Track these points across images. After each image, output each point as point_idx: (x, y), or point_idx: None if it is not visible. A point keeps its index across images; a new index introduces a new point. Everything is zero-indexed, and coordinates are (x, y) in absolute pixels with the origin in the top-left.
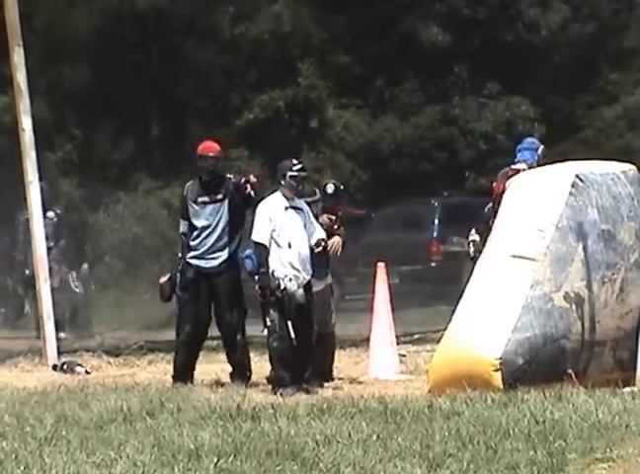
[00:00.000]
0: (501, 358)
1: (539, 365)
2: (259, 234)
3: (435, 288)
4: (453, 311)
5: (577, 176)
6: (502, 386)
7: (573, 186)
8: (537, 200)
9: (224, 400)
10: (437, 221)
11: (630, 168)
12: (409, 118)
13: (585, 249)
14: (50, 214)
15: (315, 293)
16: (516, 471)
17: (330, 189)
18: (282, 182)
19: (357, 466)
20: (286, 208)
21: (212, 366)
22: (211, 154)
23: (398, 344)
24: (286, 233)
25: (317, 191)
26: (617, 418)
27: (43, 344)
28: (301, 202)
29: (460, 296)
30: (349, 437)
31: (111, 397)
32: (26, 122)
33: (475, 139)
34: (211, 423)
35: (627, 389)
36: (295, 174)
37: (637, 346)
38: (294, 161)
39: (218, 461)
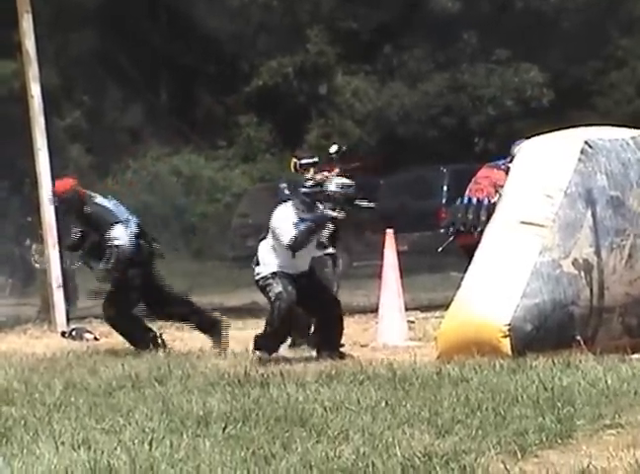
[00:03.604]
0: (509, 325)
1: (548, 332)
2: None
3: (443, 255)
4: (462, 278)
5: (586, 142)
6: (510, 352)
7: (582, 152)
8: (546, 167)
9: (233, 367)
10: (445, 188)
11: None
12: (417, 84)
13: (593, 215)
14: None
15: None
16: (524, 437)
17: (332, 148)
18: (296, 197)
19: (365, 432)
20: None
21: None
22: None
23: (407, 310)
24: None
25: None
26: (626, 384)
27: (52, 310)
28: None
29: (469, 263)
30: (357, 404)
31: (119, 364)
32: (34, 89)
33: (484, 105)
34: (220, 389)
35: (636, 355)
36: (307, 190)
37: None
38: (308, 176)
39: (227, 428)
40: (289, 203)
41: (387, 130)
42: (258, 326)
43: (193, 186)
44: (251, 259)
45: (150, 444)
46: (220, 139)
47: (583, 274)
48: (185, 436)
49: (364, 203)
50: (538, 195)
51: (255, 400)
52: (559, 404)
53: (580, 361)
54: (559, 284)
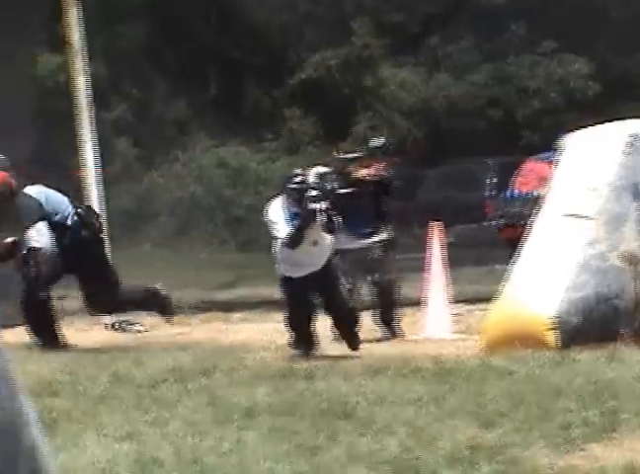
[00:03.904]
0: (555, 318)
1: (593, 325)
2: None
3: (489, 248)
4: (507, 270)
5: (632, 135)
6: (555, 346)
7: (628, 145)
8: (592, 160)
9: (278, 359)
10: (491, 180)
11: None
12: (463, 75)
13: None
14: None
15: (356, 251)
16: (568, 431)
17: (376, 142)
18: (285, 192)
19: (410, 425)
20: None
21: (267, 325)
22: None
23: (452, 303)
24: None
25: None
26: None
27: None
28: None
29: (515, 256)
30: (402, 397)
31: (165, 356)
32: (81, 82)
33: (529, 97)
34: (265, 382)
35: None
36: (295, 186)
37: None
38: (296, 171)
39: (272, 420)
40: (281, 198)
41: (433, 122)
42: None
43: (239, 178)
44: None
45: (195, 437)
46: (266, 132)
47: (629, 267)
48: (230, 429)
49: (342, 191)
50: (584, 188)
51: (300, 393)
52: (603, 397)
53: (624, 355)
54: (605, 278)
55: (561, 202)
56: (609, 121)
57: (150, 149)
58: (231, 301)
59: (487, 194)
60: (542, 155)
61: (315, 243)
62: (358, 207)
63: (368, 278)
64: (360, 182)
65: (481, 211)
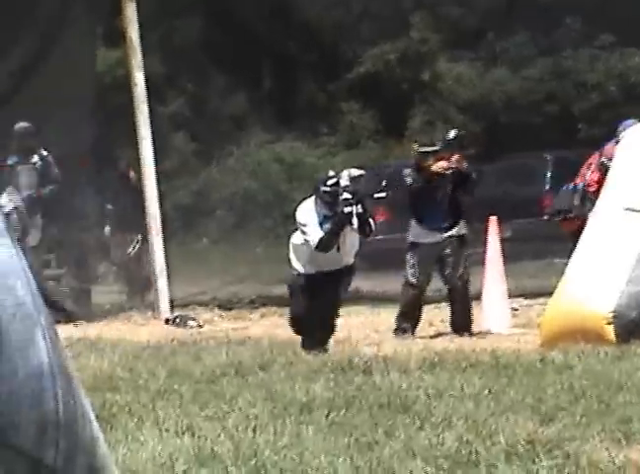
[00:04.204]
0: (614, 312)
1: None
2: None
3: (547, 242)
4: (566, 265)
5: None
6: (614, 340)
7: None
8: None
9: (336, 353)
10: (549, 175)
11: None
12: (520, 70)
13: None
14: (35, 158)
15: (430, 245)
16: (629, 425)
17: (451, 134)
18: (317, 195)
19: (468, 419)
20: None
21: None
22: None
23: (510, 297)
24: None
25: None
26: None
27: (156, 297)
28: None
29: (573, 250)
30: (460, 391)
31: (223, 351)
32: (138, 77)
33: (587, 91)
34: (323, 376)
35: None
36: (327, 189)
37: None
38: (330, 173)
39: (330, 414)
40: (313, 199)
41: (490, 117)
42: (360, 313)
43: (295, 173)
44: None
45: (254, 431)
46: (323, 126)
47: None
48: (288, 423)
49: (377, 195)
50: None
51: (358, 387)
52: None
53: None
54: None
55: (619, 196)
56: None
57: (207, 144)
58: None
59: (545, 188)
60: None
61: (338, 248)
62: (434, 201)
63: (441, 274)
64: (437, 175)
65: (539, 206)
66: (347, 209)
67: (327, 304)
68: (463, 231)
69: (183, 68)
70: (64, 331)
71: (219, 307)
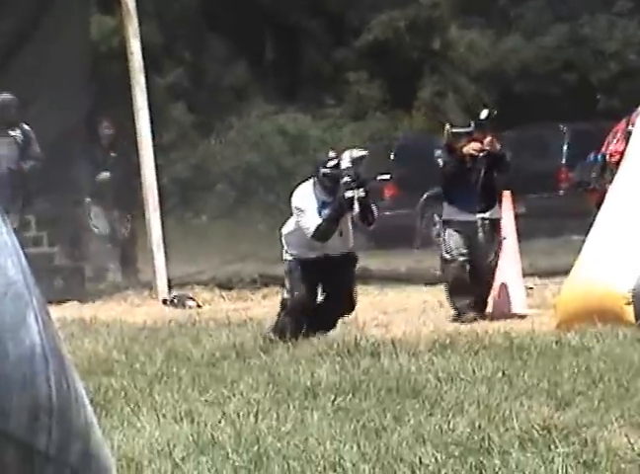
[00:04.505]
0: (633, 291)
1: None
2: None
3: (564, 218)
4: (583, 242)
5: None
6: (634, 321)
7: None
8: None
9: (342, 336)
10: (565, 147)
11: None
12: (535, 37)
13: None
14: (17, 132)
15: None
16: None
17: (483, 114)
18: (316, 177)
19: (481, 404)
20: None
21: None
22: None
23: (525, 276)
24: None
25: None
26: None
27: (154, 277)
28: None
29: (591, 226)
30: (472, 374)
31: (223, 333)
32: (134, 46)
33: (605, 60)
34: (328, 359)
35: None
36: (327, 171)
37: None
38: (331, 154)
39: (336, 399)
40: (311, 182)
41: (504, 87)
42: (367, 293)
43: (299, 146)
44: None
45: (256, 417)
46: (328, 97)
47: None
48: (292, 409)
49: (381, 177)
50: None
51: (365, 370)
52: None
53: None
54: None
55: (639, 169)
56: None
57: (206, 116)
58: None
59: (561, 161)
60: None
61: (341, 233)
62: (467, 184)
63: (469, 254)
64: (470, 157)
65: (554, 180)
66: (348, 194)
67: (340, 295)
68: (497, 215)
69: (181, 36)
70: (57, 312)
71: (219, 287)
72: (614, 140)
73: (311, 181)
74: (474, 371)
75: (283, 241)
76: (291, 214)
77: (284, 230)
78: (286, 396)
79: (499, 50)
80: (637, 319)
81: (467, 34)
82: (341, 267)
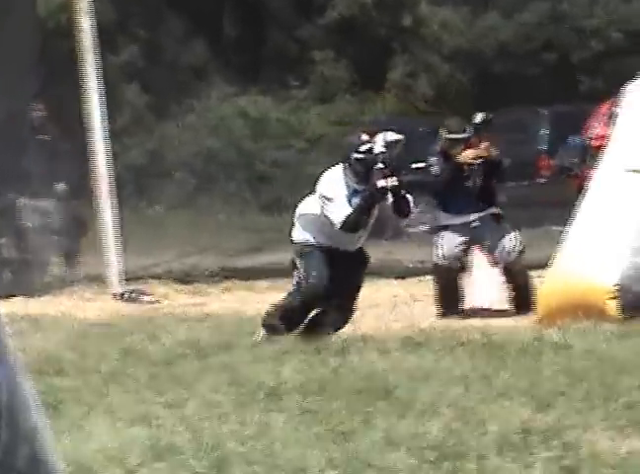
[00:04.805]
0: (617, 285)
1: None
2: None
3: (544, 208)
4: (565, 233)
5: None
6: (619, 316)
7: None
8: None
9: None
10: (546, 132)
11: None
12: (513, 15)
13: None
14: None
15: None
16: (634, 412)
17: (477, 118)
18: (347, 163)
19: (456, 406)
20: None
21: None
22: None
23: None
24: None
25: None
26: None
27: (106, 270)
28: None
29: (572, 216)
30: (447, 374)
31: (181, 329)
32: (84, 22)
33: (587, 38)
34: (294, 358)
35: None
36: (360, 156)
37: None
38: (363, 137)
39: (302, 400)
40: (341, 168)
41: (479, 67)
42: None
43: (262, 130)
44: None
45: (216, 420)
46: (292, 78)
47: None
48: (254, 411)
49: (416, 165)
50: None
51: (333, 370)
52: None
53: None
54: None
55: (623, 156)
56: None
57: (163, 97)
58: (255, 268)
59: (541, 147)
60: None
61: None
62: (463, 191)
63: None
64: (465, 164)
65: (534, 167)
66: (380, 183)
67: (345, 292)
68: (494, 210)
69: (135, 12)
70: (5, 306)
71: (176, 280)
72: (598, 124)
73: (341, 166)
74: (449, 371)
75: (299, 222)
76: (309, 194)
77: (302, 209)
78: (249, 397)
79: (474, 28)
80: (622, 314)
81: (440, 10)
82: (353, 264)
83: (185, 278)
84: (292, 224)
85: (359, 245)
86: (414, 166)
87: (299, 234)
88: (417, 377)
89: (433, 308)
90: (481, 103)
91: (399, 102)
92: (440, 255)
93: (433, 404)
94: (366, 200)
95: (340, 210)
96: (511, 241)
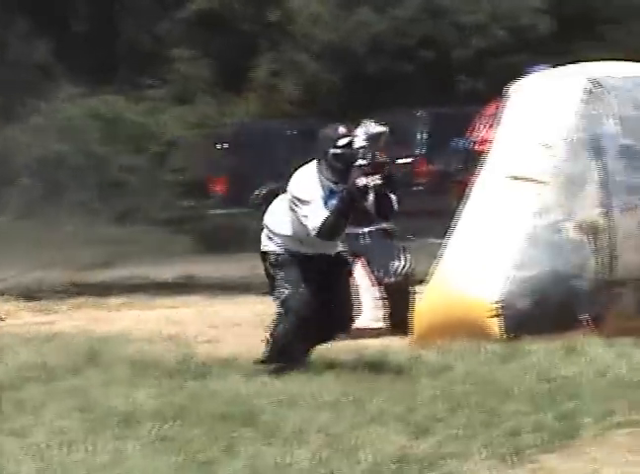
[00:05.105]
0: (499, 302)
1: (547, 310)
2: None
3: (422, 217)
4: (443, 245)
5: (591, 80)
6: (501, 336)
7: (586, 92)
8: (544, 111)
9: (165, 354)
10: (423, 136)
11: None
12: (387, 9)
13: (602, 169)
14: None
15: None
16: (518, 438)
17: (374, 128)
18: (322, 159)
19: (326, 432)
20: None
21: (151, 313)
22: None
23: (376, 285)
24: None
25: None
26: None
27: None
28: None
29: (452, 227)
30: (316, 398)
31: (26, 350)
32: None
33: (469, 35)
34: (149, 381)
35: None
36: (339, 152)
37: None
38: (341, 130)
39: (157, 427)
40: (315, 165)
41: (352, 66)
42: (193, 304)
43: (114, 132)
44: (186, 221)
45: (66, 448)
46: (148, 77)
47: (589, 240)
48: (107, 438)
49: (402, 160)
50: (534, 144)
51: (192, 394)
52: (560, 398)
53: (585, 346)
54: (561, 253)
55: (506, 162)
56: (566, 64)
57: (5, 98)
58: (107, 283)
59: (418, 151)
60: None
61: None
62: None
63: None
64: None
65: (412, 173)
66: (360, 181)
67: (338, 300)
68: (385, 225)
69: None
70: None
71: (21, 297)
72: (482, 126)
73: (314, 163)
74: (318, 394)
75: (271, 229)
76: (274, 198)
77: (270, 218)
78: (101, 424)
79: (346, 23)
80: (505, 333)
81: (310, 3)
82: (335, 269)
83: (30, 295)
84: (261, 230)
85: (339, 248)
86: (399, 161)
87: (270, 243)
88: (283, 402)
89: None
90: (353, 104)
91: (264, 103)
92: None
93: (300, 431)
94: (345, 202)
95: (315, 214)
96: (398, 260)
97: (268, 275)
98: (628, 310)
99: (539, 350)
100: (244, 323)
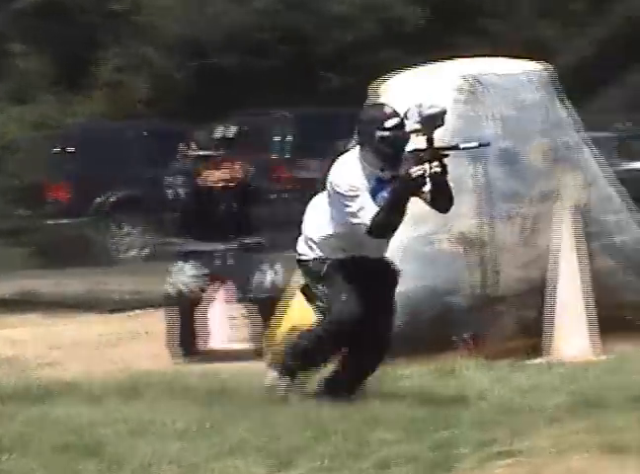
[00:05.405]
0: None
1: (419, 329)
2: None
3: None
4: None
5: (466, 77)
6: None
7: (460, 91)
8: None
9: (2, 378)
10: (285, 138)
11: (541, 68)
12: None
13: (480, 174)
14: None
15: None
16: (389, 470)
17: (227, 132)
18: (367, 144)
19: (179, 463)
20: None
21: None
22: None
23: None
24: None
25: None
26: (522, 399)
27: None
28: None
29: None
30: (168, 426)
31: None
32: None
33: (334, 28)
34: None
35: (534, 360)
36: (387, 134)
37: (550, 302)
38: (387, 109)
39: None
40: (355, 153)
41: (205, 61)
42: (33, 323)
43: None
44: (23, 232)
45: None
46: None
47: (466, 252)
48: None
49: (469, 144)
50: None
51: (29, 422)
52: (435, 426)
53: (463, 369)
54: (434, 267)
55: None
56: (440, 60)
57: None
58: None
59: (280, 155)
60: None
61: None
62: (210, 215)
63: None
64: (212, 188)
65: (272, 179)
66: (416, 170)
67: (379, 314)
68: (249, 240)
69: None
70: None
71: None
72: None
73: (355, 151)
74: (169, 423)
75: (309, 236)
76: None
77: (308, 223)
78: None
79: (199, 15)
80: None
81: None
82: (381, 278)
83: None
84: (298, 236)
85: (382, 253)
86: (462, 145)
87: (309, 251)
88: (131, 431)
89: (147, 348)
90: (206, 103)
91: (109, 102)
92: (172, 286)
93: (151, 462)
94: (399, 194)
95: (364, 210)
96: (263, 275)
97: (306, 285)
98: (507, 329)
99: (412, 373)
100: (88, 344)
